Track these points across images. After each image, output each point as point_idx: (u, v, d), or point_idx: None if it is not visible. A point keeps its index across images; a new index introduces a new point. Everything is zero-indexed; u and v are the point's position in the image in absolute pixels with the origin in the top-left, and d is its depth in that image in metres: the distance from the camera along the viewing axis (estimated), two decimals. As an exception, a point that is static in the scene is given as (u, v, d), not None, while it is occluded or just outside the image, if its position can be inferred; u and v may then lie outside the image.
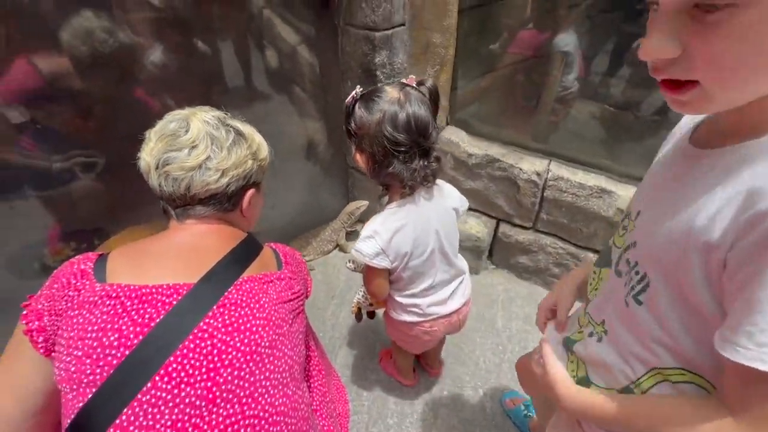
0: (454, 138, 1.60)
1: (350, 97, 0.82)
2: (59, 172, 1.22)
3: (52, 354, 0.56)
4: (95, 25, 1.13)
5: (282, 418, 0.60)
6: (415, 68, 1.51)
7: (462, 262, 1.04)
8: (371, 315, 1.25)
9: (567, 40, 1.44)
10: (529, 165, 1.50)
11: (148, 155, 0.65)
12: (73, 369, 0.53)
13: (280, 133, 1.65)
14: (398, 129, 0.77)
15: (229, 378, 0.56)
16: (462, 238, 1.68)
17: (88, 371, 0.52)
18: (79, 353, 0.53)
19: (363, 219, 1.94)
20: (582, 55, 1.43)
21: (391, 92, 0.80)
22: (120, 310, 0.54)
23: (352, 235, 1.97)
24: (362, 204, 1.85)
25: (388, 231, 0.85)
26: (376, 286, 0.95)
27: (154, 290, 0.57)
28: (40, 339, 0.56)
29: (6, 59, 1.01)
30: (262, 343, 0.60)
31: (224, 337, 0.58)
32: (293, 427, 0.62)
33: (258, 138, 0.74)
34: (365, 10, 1.36)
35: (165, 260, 0.62)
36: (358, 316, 1.19)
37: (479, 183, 1.63)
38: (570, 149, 1.52)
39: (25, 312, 0.57)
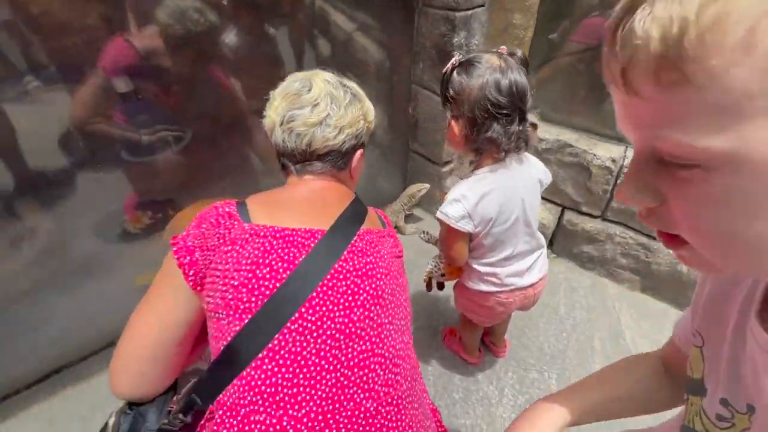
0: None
1: (449, 64, 0.85)
2: (147, 144, 1.30)
3: (201, 287, 0.62)
4: (188, 5, 1.20)
5: (401, 361, 0.65)
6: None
7: (541, 236, 1.04)
8: (441, 286, 1.27)
9: None
10: (604, 151, 1.46)
11: (273, 113, 0.71)
12: (230, 297, 0.58)
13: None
14: (502, 93, 0.81)
15: (361, 317, 0.61)
16: (526, 223, 1.67)
17: (245, 299, 0.57)
18: (236, 283, 0.58)
19: (421, 203, 1.96)
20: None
21: (491, 59, 0.82)
22: (268, 247, 0.60)
23: (410, 218, 1.99)
24: (424, 187, 1.87)
25: (476, 195, 0.88)
26: (457, 250, 0.97)
27: (294, 233, 0.62)
28: (191, 273, 0.61)
29: (105, 36, 1.08)
30: (386, 290, 0.65)
31: (356, 280, 0.63)
32: (408, 370, 0.66)
33: (367, 101, 0.79)
34: (447, -10, 1.37)
35: (297, 208, 0.67)
36: (429, 285, 1.22)
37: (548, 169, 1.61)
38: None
39: (175, 248, 0.63)
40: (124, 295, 1.01)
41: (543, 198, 1.70)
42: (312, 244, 0.62)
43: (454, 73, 0.84)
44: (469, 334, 1.32)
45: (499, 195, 0.89)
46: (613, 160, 1.45)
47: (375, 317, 0.63)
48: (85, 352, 1.39)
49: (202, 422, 0.60)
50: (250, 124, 1.49)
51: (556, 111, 1.63)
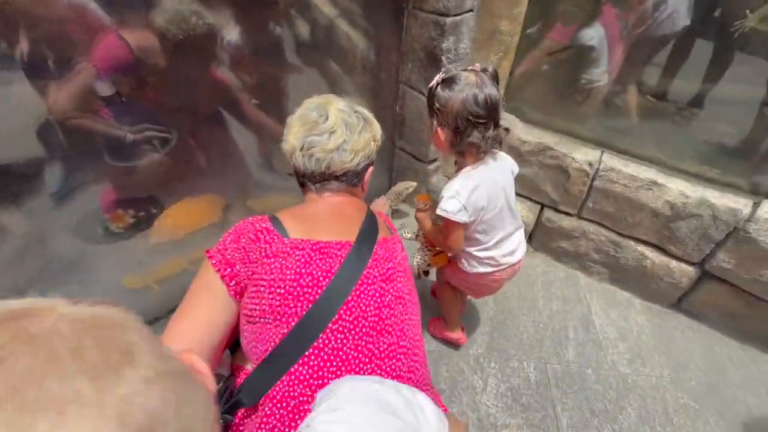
0: (508, 124, 1.65)
1: (434, 81, 0.99)
2: (131, 144, 1.27)
3: (241, 295, 0.69)
4: (187, 9, 1.17)
5: (418, 351, 0.75)
6: (478, 54, 1.54)
7: (520, 216, 1.20)
8: (426, 273, 1.39)
9: (591, 35, 1.49)
10: (582, 155, 1.55)
11: (293, 138, 0.79)
12: (277, 303, 0.65)
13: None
14: (479, 105, 0.95)
15: (388, 315, 0.71)
16: (508, 221, 1.76)
17: (291, 305, 0.65)
18: (282, 291, 0.65)
19: (408, 200, 2.01)
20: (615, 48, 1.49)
21: (468, 76, 0.96)
22: (308, 259, 0.68)
23: (396, 214, 2.04)
24: (411, 185, 1.91)
25: (467, 190, 1.01)
26: (455, 239, 1.11)
27: (328, 245, 0.71)
28: (233, 283, 0.68)
29: (100, 32, 1.04)
30: (405, 291, 0.76)
31: (382, 284, 0.73)
32: (423, 358, 0.77)
33: (376, 122, 0.86)
34: (438, -5, 1.38)
35: (325, 222, 0.76)
36: (419, 275, 1.34)
37: (528, 170, 1.69)
38: (623, 141, 1.57)
39: (213, 261, 0.69)
40: (111, 297, 1.01)
41: (524, 196, 1.79)
42: (344, 255, 0.71)
43: (439, 88, 0.98)
44: (454, 309, 1.42)
45: (486, 187, 1.03)
46: (590, 164, 1.54)
47: (399, 314, 0.72)
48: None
49: (240, 418, 0.65)
50: (237, 118, 1.47)
51: (538, 112, 1.69)
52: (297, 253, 0.68)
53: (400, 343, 0.70)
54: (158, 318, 1.45)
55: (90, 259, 1.34)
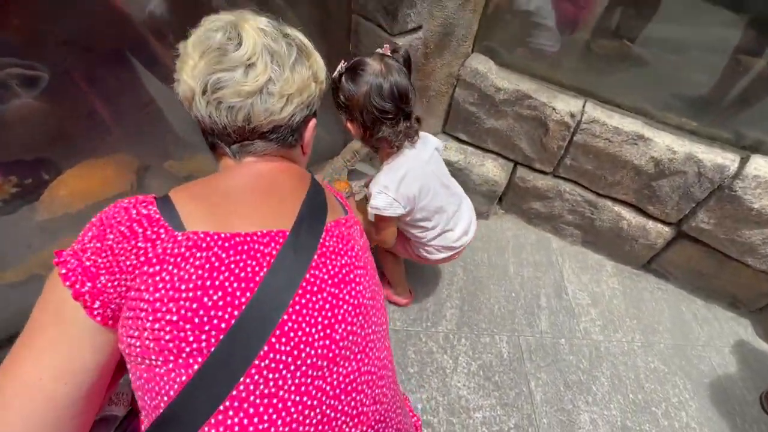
0: (482, 68, 1.40)
1: (336, 72, 0.87)
2: None
3: (115, 320, 0.45)
4: None
5: (386, 372, 0.57)
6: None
7: (457, 186, 1.13)
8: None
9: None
10: (564, 104, 1.36)
11: (188, 76, 0.50)
12: (168, 337, 0.42)
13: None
14: (384, 98, 0.85)
15: (344, 335, 0.51)
16: (479, 181, 1.58)
17: (191, 338, 0.42)
18: (175, 317, 0.42)
19: (369, 155, 1.75)
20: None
21: (372, 65, 0.85)
22: (217, 264, 0.45)
23: (354, 174, 1.79)
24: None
25: (394, 182, 0.94)
26: (389, 234, 1.02)
27: (248, 239, 0.47)
28: (96, 304, 0.43)
29: None
30: (366, 294, 0.55)
31: (333, 290, 0.51)
32: (392, 375, 0.59)
33: (316, 53, 0.59)
34: None
35: (245, 203, 0.51)
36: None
37: (502, 122, 1.48)
38: (607, 89, 1.39)
39: (63, 272, 0.43)
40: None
41: (496, 153, 1.60)
42: (274, 252, 0.48)
43: (343, 79, 0.87)
44: (397, 274, 1.31)
45: (414, 174, 0.96)
46: (572, 115, 1.36)
47: (359, 330, 0.52)
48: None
49: None
50: (148, 62, 1.12)
51: (514, 54, 1.45)
52: (198, 255, 0.44)
53: (363, 369, 0.52)
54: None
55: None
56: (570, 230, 1.64)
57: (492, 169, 1.56)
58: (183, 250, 0.44)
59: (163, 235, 0.45)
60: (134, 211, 0.46)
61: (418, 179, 0.97)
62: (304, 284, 0.48)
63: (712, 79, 1.29)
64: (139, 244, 0.44)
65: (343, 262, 0.53)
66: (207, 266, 0.44)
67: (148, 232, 0.44)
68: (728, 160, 1.24)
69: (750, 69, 1.29)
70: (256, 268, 0.46)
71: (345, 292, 0.52)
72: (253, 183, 0.54)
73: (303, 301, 0.48)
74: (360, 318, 0.53)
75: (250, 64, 0.49)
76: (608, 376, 1.31)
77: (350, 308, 0.52)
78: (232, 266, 0.45)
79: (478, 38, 1.44)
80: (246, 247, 0.46)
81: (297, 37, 0.55)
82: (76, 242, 0.46)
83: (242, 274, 0.45)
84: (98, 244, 0.44)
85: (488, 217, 1.72)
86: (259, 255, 0.47)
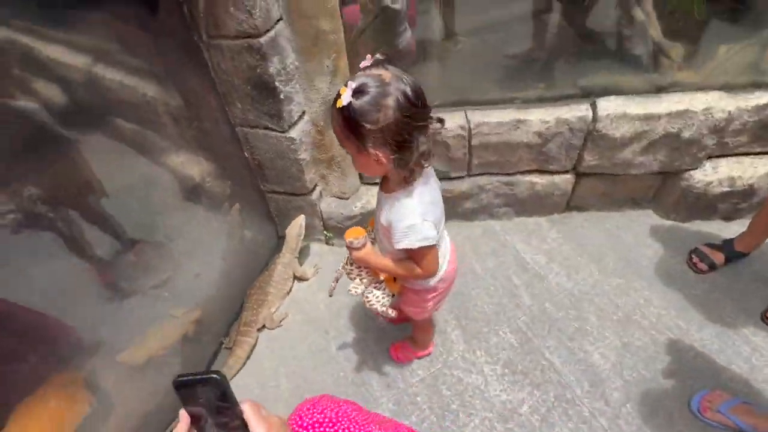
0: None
1: (341, 101, 0.74)
2: None
3: None
4: None
5: None
6: (311, 64, 1.33)
7: None
8: (396, 312, 1.15)
9: None
10: (451, 122, 1.54)
11: None
12: None
13: (157, 187, 1.30)
14: (412, 101, 0.75)
15: None
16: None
17: None
18: None
19: (307, 235, 1.77)
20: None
21: (380, 74, 0.75)
22: None
23: (302, 258, 1.79)
24: (301, 219, 1.69)
25: (425, 206, 0.87)
26: (433, 261, 0.95)
27: None
28: None
29: None
30: None
31: None
32: None
33: None
34: (236, 15, 1.09)
35: None
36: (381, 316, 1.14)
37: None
38: (472, 92, 1.61)
39: None
40: None
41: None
42: None
43: (356, 106, 0.73)
44: (428, 332, 1.37)
45: (433, 197, 0.91)
46: (462, 127, 1.55)
47: None
48: None
49: None
50: None
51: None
52: None
53: None
54: None
55: None
56: (503, 210, 1.87)
57: (420, 196, 1.70)
58: None
59: None
60: None
61: (436, 201, 0.92)
62: None
63: (534, 46, 1.62)
64: None
65: None
66: None
67: None
68: (583, 110, 1.54)
69: (549, 24, 1.63)
70: None
71: None
72: None
73: None
74: None
75: None
76: (593, 311, 1.54)
77: None
78: None
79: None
80: None
81: None
82: None
83: None
84: None
85: (435, 232, 1.86)
86: None
